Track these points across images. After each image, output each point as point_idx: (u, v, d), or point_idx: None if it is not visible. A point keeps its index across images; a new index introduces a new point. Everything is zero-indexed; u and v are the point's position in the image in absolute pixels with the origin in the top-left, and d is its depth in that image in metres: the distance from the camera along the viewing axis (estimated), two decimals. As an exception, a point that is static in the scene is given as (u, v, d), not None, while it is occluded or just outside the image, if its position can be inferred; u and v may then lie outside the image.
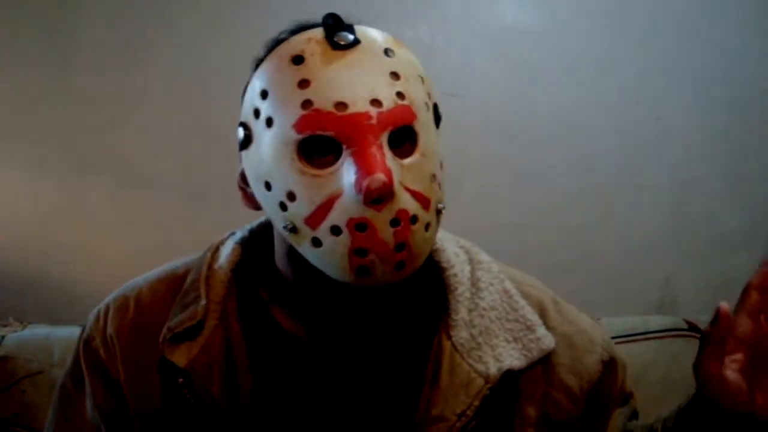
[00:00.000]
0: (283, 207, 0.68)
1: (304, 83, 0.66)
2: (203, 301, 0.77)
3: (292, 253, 0.73)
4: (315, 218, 0.66)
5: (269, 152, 0.69)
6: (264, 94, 0.69)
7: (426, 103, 0.70)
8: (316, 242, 0.67)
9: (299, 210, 0.67)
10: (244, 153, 0.74)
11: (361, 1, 1.61)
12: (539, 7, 1.70)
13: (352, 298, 0.74)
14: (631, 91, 1.69)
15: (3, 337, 1.46)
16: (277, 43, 0.73)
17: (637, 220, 1.70)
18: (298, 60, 0.67)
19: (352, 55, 0.67)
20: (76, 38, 1.71)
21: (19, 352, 1.42)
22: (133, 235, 1.71)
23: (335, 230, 0.65)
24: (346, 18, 0.71)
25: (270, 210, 0.71)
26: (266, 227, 0.83)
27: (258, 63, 0.74)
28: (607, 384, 0.80)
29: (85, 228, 1.72)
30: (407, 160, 0.67)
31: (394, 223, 0.64)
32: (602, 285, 1.69)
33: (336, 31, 0.68)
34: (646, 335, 1.44)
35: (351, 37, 0.68)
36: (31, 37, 1.71)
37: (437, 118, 0.73)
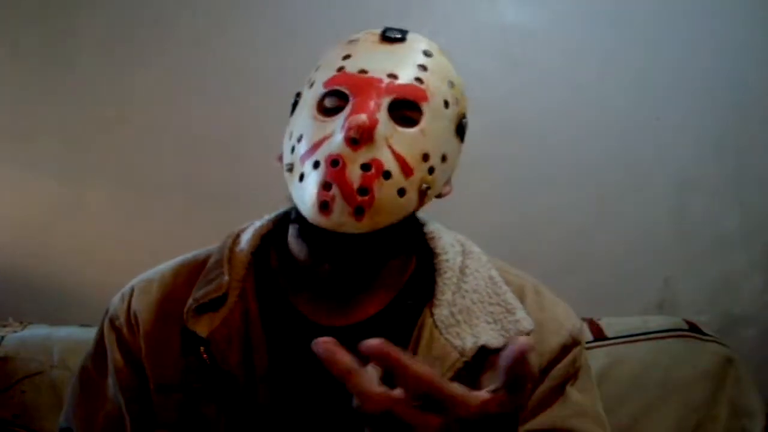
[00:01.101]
0: (292, 150, 0.77)
1: (347, 56, 0.77)
2: (226, 277, 0.82)
3: (301, 233, 0.79)
4: (307, 154, 0.74)
5: (303, 107, 0.79)
6: (318, 68, 0.80)
7: (447, 102, 0.78)
8: (301, 177, 0.74)
9: (300, 149, 0.75)
10: (291, 118, 0.82)
11: (361, 1, 1.62)
12: (539, 7, 1.70)
13: (333, 253, 0.78)
14: (631, 91, 1.69)
15: (3, 337, 1.46)
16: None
17: (637, 220, 1.70)
18: (352, 42, 0.80)
19: (395, 46, 0.78)
20: (76, 38, 1.71)
21: (19, 352, 1.42)
22: (132, 235, 1.71)
23: (316, 164, 0.72)
24: (376, 25, 0.82)
25: (285, 156, 0.79)
26: (283, 218, 0.89)
27: None
28: (563, 363, 0.83)
29: (85, 228, 1.72)
30: (404, 129, 0.74)
31: (365, 167, 0.71)
32: (602, 285, 1.69)
33: (391, 30, 0.80)
34: (646, 335, 1.44)
35: (399, 35, 0.79)
36: (31, 37, 1.71)
37: (460, 128, 0.81)
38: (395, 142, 0.73)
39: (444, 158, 0.77)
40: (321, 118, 0.75)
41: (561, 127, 1.69)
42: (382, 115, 0.72)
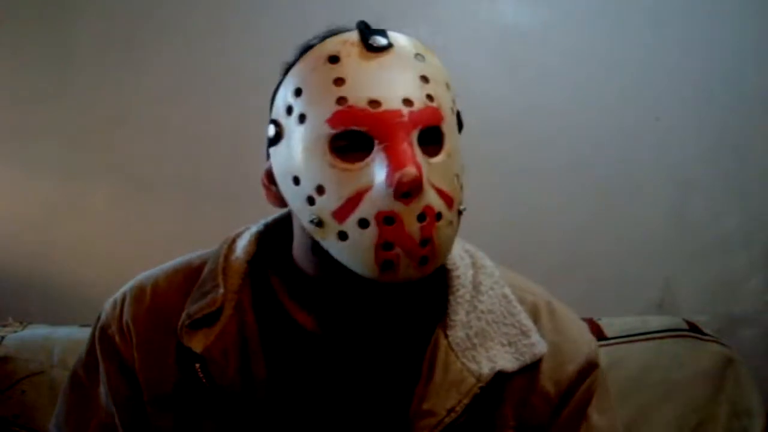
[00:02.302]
0: (311, 201, 0.70)
1: (339, 81, 0.68)
2: (221, 290, 0.79)
3: (316, 248, 0.74)
4: (343, 211, 0.68)
5: (300, 147, 0.70)
6: (298, 92, 0.71)
7: (451, 108, 0.74)
8: (342, 236, 0.68)
9: (327, 204, 0.69)
10: (272, 150, 0.75)
11: (361, 2, 1.62)
12: (539, 7, 1.70)
13: (371, 295, 0.76)
14: (631, 91, 1.69)
15: (3, 337, 1.46)
16: (309, 47, 0.75)
17: (637, 220, 1.70)
18: (334, 59, 0.70)
19: (385, 57, 0.70)
20: (76, 38, 1.71)
21: (19, 352, 1.42)
22: (133, 234, 1.71)
23: (363, 223, 0.67)
24: (376, 25, 0.73)
25: (297, 205, 0.73)
26: (281, 222, 0.85)
27: (288, 67, 0.76)
28: (582, 389, 0.82)
29: (85, 228, 1.72)
30: (434, 159, 0.69)
31: (421, 218, 0.66)
32: (602, 285, 1.69)
33: (371, 35, 0.71)
34: (646, 335, 1.44)
35: (384, 41, 0.70)
36: (31, 37, 1.71)
37: (460, 124, 0.77)
38: (434, 178, 0.68)
39: (463, 168, 0.74)
40: (342, 165, 0.68)
41: (560, 127, 1.69)
42: (419, 156, 0.67)
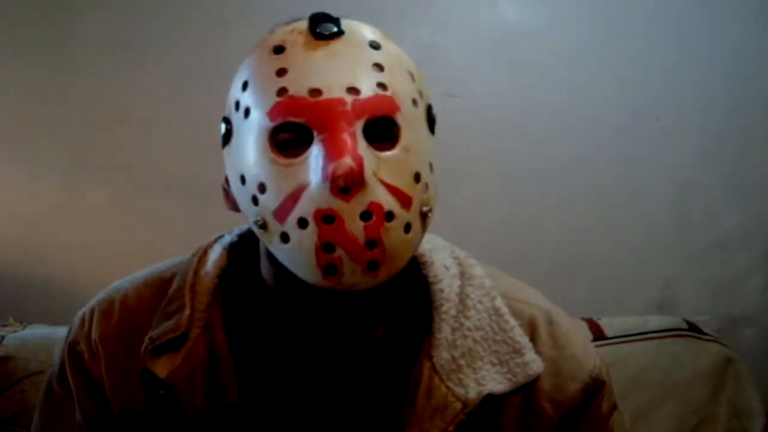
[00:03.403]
0: (255, 201, 0.65)
1: (281, 72, 0.63)
2: (187, 312, 0.74)
3: (270, 256, 0.69)
4: (283, 210, 0.62)
5: (245, 143, 0.65)
6: (245, 86, 0.66)
7: (414, 100, 0.66)
8: (284, 237, 0.63)
9: (268, 202, 0.63)
10: (226, 149, 0.70)
11: (361, 2, 1.62)
12: (539, 7, 1.70)
13: (331, 304, 0.70)
14: (631, 91, 1.69)
15: (3, 337, 1.45)
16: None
17: (637, 220, 1.70)
18: (279, 50, 0.65)
19: (334, 45, 0.64)
20: (76, 38, 1.71)
21: (19, 352, 1.42)
22: (132, 234, 1.71)
23: (302, 222, 0.61)
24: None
25: (244, 206, 0.67)
26: (250, 235, 0.79)
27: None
28: (591, 409, 0.76)
29: (85, 228, 1.72)
30: (386, 153, 0.63)
31: (365, 216, 0.60)
32: (602, 285, 1.69)
33: (320, 22, 0.65)
34: (646, 335, 1.44)
35: (334, 28, 0.65)
36: (31, 37, 1.71)
37: (431, 120, 0.70)
38: (384, 174, 0.61)
39: (431, 167, 0.67)
40: (282, 160, 0.62)
41: (560, 127, 1.69)
42: (363, 148, 0.60)
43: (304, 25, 0.66)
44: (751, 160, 1.70)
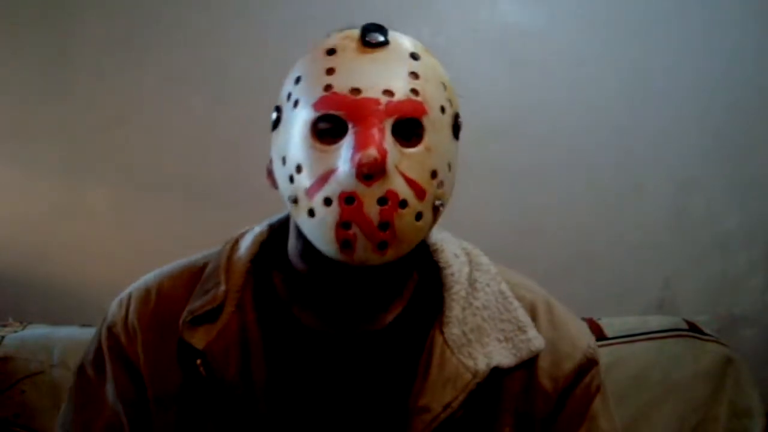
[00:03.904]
0: (291, 179, 0.73)
1: (330, 71, 0.72)
2: (223, 287, 0.81)
3: (299, 234, 0.77)
4: (313, 189, 0.70)
5: (291, 130, 0.74)
6: (298, 80, 0.75)
7: (443, 107, 0.74)
8: (311, 213, 0.71)
9: (302, 182, 0.72)
10: (273, 134, 0.78)
11: (362, 1, 1.62)
12: (539, 7, 1.70)
13: (348, 280, 0.78)
14: (631, 91, 1.69)
15: (3, 337, 1.46)
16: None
17: (637, 220, 1.70)
18: (331, 52, 0.73)
19: (379, 53, 0.73)
20: (76, 38, 1.71)
21: (19, 352, 1.42)
22: (132, 234, 1.71)
23: (327, 201, 0.69)
24: (386, 24, 0.76)
25: (282, 184, 0.76)
26: (284, 223, 0.87)
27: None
28: (581, 385, 0.83)
29: (85, 228, 1.72)
30: (409, 150, 0.71)
31: (382, 201, 0.68)
32: (602, 285, 1.69)
33: (371, 31, 0.74)
34: (646, 335, 1.44)
35: (381, 38, 0.73)
36: (31, 36, 1.71)
37: (456, 127, 0.77)
38: (405, 167, 0.70)
39: (449, 167, 0.75)
40: (319, 146, 0.71)
41: (560, 127, 1.69)
42: (389, 143, 0.69)
43: (356, 32, 0.74)
44: (751, 160, 1.70)
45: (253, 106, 1.70)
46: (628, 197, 1.70)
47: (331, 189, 0.69)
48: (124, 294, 0.88)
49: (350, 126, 0.69)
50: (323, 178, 0.70)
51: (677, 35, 1.68)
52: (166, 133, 1.71)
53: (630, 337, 1.44)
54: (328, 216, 0.69)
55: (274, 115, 0.78)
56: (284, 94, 0.77)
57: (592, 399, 0.83)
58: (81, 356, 0.89)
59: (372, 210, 0.68)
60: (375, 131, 0.68)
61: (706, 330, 1.47)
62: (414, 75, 0.72)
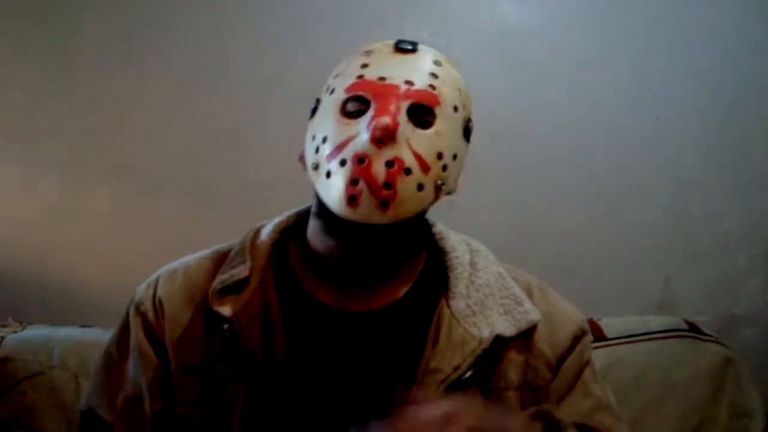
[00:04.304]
0: (317, 150, 0.83)
1: (364, 65, 0.85)
2: (249, 263, 0.89)
3: (323, 229, 0.86)
4: (333, 154, 0.81)
5: (325, 111, 0.85)
6: (337, 75, 0.87)
7: (456, 107, 0.86)
8: (328, 174, 0.81)
9: (325, 150, 0.82)
10: (310, 122, 0.88)
11: (361, 2, 1.62)
12: (539, 7, 1.70)
13: (355, 244, 0.85)
14: (631, 91, 1.69)
15: (3, 337, 1.45)
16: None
17: (637, 220, 1.70)
18: (368, 53, 0.87)
19: (408, 56, 0.86)
20: (76, 38, 1.71)
21: (19, 352, 1.42)
22: (133, 234, 1.71)
23: (342, 162, 0.79)
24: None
25: (309, 156, 0.85)
26: (303, 215, 0.95)
27: None
28: (576, 352, 0.91)
29: (85, 228, 1.72)
30: (420, 131, 0.81)
31: (389, 164, 0.78)
32: (602, 285, 1.69)
33: (404, 42, 0.87)
34: (646, 335, 1.44)
35: (411, 46, 0.87)
36: (31, 37, 1.71)
37: (467, 130, 0.89)
38: (414, 142, 0.80)
39: (455, 157, 0.85)
40: (345, 120, 0.82)
41: (560, 126, 1.69)
42: (402, 118, 0.80)
43: (392, 41, 0.88)
44: (751, 160, 1.70)
45: (254, 105, 1.71)
46: (628, 197, 1.70)
47: (347, 152, 0.79)
48: (152, 277, 0.94)
49: (372, 103, 0.81)
50: (342, 145, 0.80)
51: (677, 35, 1.68)
52: (166, 133, 1.71)
53: (630, 338, 1.44)
54: (341, 175, 0.79)
55: (314, 105, 0.88)
56: (325, 87, 0.88)
57: (584, 367, 0.92)
58: (98, 352, 0.96)
59: (379, 170, 0.78)
60: (392, 106, 0.80)
61: (706, 330, 1.47)
62: (434, 75, 0.84)
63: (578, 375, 0.91)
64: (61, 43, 1.71)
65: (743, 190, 1.69)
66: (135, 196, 1.72)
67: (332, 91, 0.85)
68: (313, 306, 0.89)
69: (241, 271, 0.88)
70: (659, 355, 1.42)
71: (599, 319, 1.47)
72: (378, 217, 0.79)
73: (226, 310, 0.86)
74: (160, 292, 0.91)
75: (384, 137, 0.78)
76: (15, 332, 1.49)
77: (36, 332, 1.49)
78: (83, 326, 1.50)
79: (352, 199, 0.78)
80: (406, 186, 0.79)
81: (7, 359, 1.41)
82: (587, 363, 0.93)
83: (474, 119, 0.90)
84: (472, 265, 0.92)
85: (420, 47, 0.88)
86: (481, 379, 0.85)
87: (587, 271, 1.69)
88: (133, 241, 1.70)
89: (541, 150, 1.69)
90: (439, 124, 0.83)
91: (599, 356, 1.39)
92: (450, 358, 0.84)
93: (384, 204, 0.78)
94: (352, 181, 0.78)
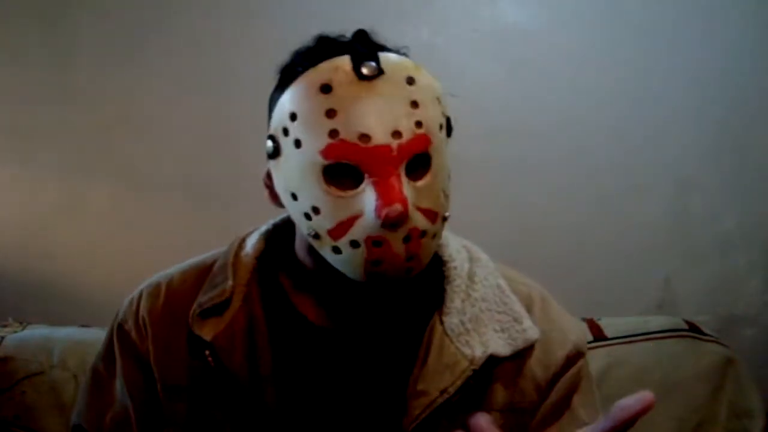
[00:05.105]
0: (308, 217, 0.76)
1: (331, 113, 0.72)
2: (230, 282, 0.84)
3: (312, 249, 0.80)
4: (337, 232, 0.74)
5: (297, 170, 0.75)
6: (293, 117, 0.74)
7: (441, 124, 0.77)
8: (336, 250, 0.75)
9: (323, 223, 0.74)
10: (272, 162, 0.79)
11: (362, 1, 1.62)
12: (539, 7, 1.70)
13: (367, 291, 0.81)
14: (631, 91, 1.69)
15: (3, 337, 1.46)
16: (298, 54, 0.79)
17: (637, 220, 1.70)
18: (326, 89, 0.72)
19: (376, 85, 0.72)
20: (76, 38, 1.71)
21: (19, 352, 1.42)
22: (132, 234, 1.71)
23: (354, 244, 0.73)
24: (371, 32, 0.77)
25: (296, 217, 0.79)
26: (288, 222, 0.89)
27: (283, 69, 0.80)
28: (568, 374, 0.86)
29: (85, 228, 1.72)
30: (420, 183, 0.74)
31: (407, 239, 0.73)
32: (602, 285, 1.69)
33: (362, 59, 0.73)
34: (646, 336, 1.44)
35: (374, 66, 0.72)
36: (31, 36, 1.71)
37: (449, 130, 0.80)
38: (420, 201, 0.74)
39: (449, 176, 0.79)
40: (335, 192, 0.73)
41: (560, 127, 1.69)
42: (406, 187, 0.72)
43: (347, 63, 0.73)
44: (750, 160, 1.70)
45: (254, 105, 1.70)
46: (628, 197, 1.70)
47: (356, 233, 0.73)
48: (135, 292, 0.90)
49: (366, 176, 0.72)
50: (347, 223, 0.73)
51: (676, 35, 1.68)
52: (166, 133, 1.71)
53: (630, 338, 1.44)
54: (356, 256, 0.74)
55: (270, 145, 0.77)
56: (277, 126, 0.76)
57: (575, 390, 0.86)
58: (95, 356, 0.93)
59: (399, 248, 0.73)
60: (394, 181, 0.71)
61: (706, 330, 1.47)
62: (414, 104, 0.73)
63: (567, 402, 0.85)
64: (61, 43, 1.71)
65: (743, 190, 1.69)
66: (135, 196, 1.72)
67: (297, 143, 0.73)
68: (301, 322, 0.85)
69: (222, 291, 0.84)
70: (659, 355, 1.42)
71: (599, 319, 1.47)
72: (403, 278, 0.75)
73: (207, 334, 0.82)
74: (142, 311, 0.87)
75: (399, 223, 0.72)
76: (15, 332, 1.49)
77: (36, 332, 1.50)
78: (83, 326, 1.50)
79: (375, 276, 0.74)
80: (425, 247, 0.75)
81: (7, 359, 1.41)
82: (578, 386, 0.87)
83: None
84: (470, 276, 0.86)
85: (384, 64, 0.73)
86: (470, 400, 0.81)
87: (587, 271, 1.69)
88: (133, 241, 1.70)
89: (541, 150, 1.69)
90: (434, 164, 0.75)
91: (599, 356, 1.40)
92: (438, 380, 0.80)
93: (409, 271, 0.75)
94: (373, 263, 0.74)
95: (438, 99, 0.77)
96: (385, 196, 0.71)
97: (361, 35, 0.76)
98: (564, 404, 0.85)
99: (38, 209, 1.73)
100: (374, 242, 0.72)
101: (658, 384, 1.40)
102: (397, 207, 0.70)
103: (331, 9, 1.63)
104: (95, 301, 1.62)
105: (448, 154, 0.79)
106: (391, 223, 0.71)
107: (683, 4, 1.68)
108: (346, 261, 0.75)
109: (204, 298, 0.84)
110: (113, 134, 1.71)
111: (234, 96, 1.69)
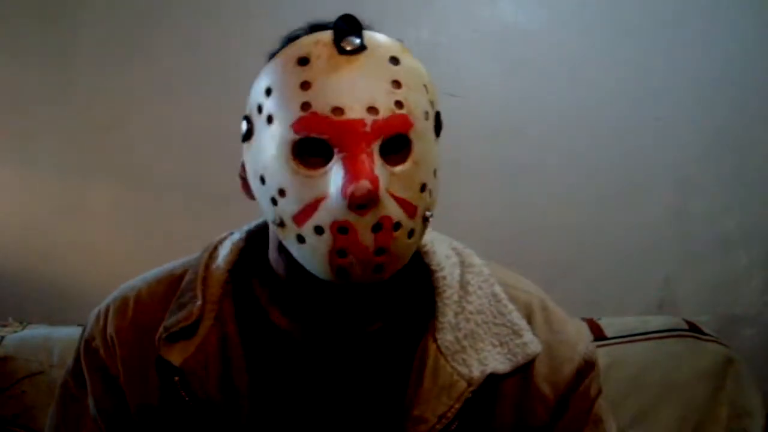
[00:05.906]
0: (274, 202, 0.70)
1: (305, 85, 0.67)
2: (199, 302, 0.78)
3: (282, 248, 0.74)
4: (301, 216, 0.67)
5: (267, 148, 0.70)
6: (268, 92, 0.70)
7: (426, 112, 0.70)
8: (300, 239, 0.68)
9: (288, 207, 0.68)
10: (245, 145, 0.75)
11: (362, 1, 1.62)
12: (539, 7, 1.70)
13: (338, 296, 0.75)
14: (631, 91, 1.69)
15: (3, 337, 1.46)
16: (289, 40, 0.73)
17: (637, 220, 1.70)
18: (303, 61, 0.68)
19: (356, 60, 0.67)
20: (77, 39, 1.71)
21: (19, 352, 1.42)
22: (133, 234, 1.71)
23: (318, 230, 0.67)
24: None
25: (263, 203, 0.73)
26: (263, 229, 0.84)
27: (271, 57, 0.73)
28: (581, 389, 0.81)
29: (85, 228, 1.72)
30: (398, 168, 0.67)
31: (376, 228, 0.65)
32: (602, 285, 1.69)
33: (345, 35, 0.68)
34: (646, 335, 1.44)
35: (357, 41, 0.67)
36: (31, 37, 1.71)
37: (438, 127, 0.73)
38: (395, 188, 0.67)
39: (435, 173, 0.72)
40: (304, 171, 0.67)
41: (560, 127, 1.69)
42: (378, 168, 0.65)
43: (328, 36, 0.68)
44: (751, 160, 1.70)
45: (253, 106, 1.71)
46: (628, 197, 1.70)
47: (321, 218, 0.66)
48: (101, 306, 0.85)
49: (336, 151, 0.65)
50: (312, 206, 0.66)
51: (676, 35, 1.68)
52: (166, 133, 1.71)
53: (630, 337, 1.44)
54: (320, 244, 0.66)
55: (244, 126, 0.74)
56: (253, 104, 0.72)
57: (593, 402, 0.82)
58: (65, 368, 0.88)
59: (367, 238, 0.65)
60: (364, 158, 0.64)
61: (706, 330, 1.47)
62: (396, 83, 0.67)
63: (587, 415, 0.81)
64: (61, 43, 1.71)
65: (743, 190, 1.69)
66: (134, 196, 1.72)
67: (269, 119, 0.69)
68: (279, 336, 0.78)
69: (189, 313, 0.77)
70: (659, 355, 1.42)
71: (599, 319, 1.47)
72: (372, 279, 0.68)
73: (175, 358, 0.76)
74: (110, 329, 0.82)
75: (366, 203, 0.64)
76: (15, 332, 1.49)
77: (36, 332, 1.50)
78: (83, 326, 1.50)
79: (341, 271, 0.67)
80: (398, 243, 0.67)
81: (7, 359, 1.41)
82: (597, 396, 0.82)
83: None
84: (463, 285, 0.79)
85: (368, 40, 0.68)
86: (471, 423, 0.75)
87: (587, 271, 1.69)
88: (134, 240, 1.70)
89: (541, 150, 1.69)
90: (415, 151, 0.68)
91: (599, 356, 1.39)
92: (435, 404, 0.74)
93: (378, 269, 0.67)
94: (338, 253, 0.66)
95: (425, 87, 0.71)
96: (352, 172, 0.64)
97: (348, 16, 0.70)
98: (584, 419, 0.81)
99: (38, 209, 1.72)
100: (339, 228, 0.65)
101: (658, 384, 1.40)
102: (365, 184, 0.63)
103: (331, 10, 1.62)
104: (95, 301, 1.62)
105: (438, 153, 0.73)
106: (358, 204, 0.63)
107: (683, 4, 1.68)
108: (309, 251, 0.68)
109: (171, 320, 0.78)
110: (113, 134, 1.71)
111: (234, 95, 1.67)
